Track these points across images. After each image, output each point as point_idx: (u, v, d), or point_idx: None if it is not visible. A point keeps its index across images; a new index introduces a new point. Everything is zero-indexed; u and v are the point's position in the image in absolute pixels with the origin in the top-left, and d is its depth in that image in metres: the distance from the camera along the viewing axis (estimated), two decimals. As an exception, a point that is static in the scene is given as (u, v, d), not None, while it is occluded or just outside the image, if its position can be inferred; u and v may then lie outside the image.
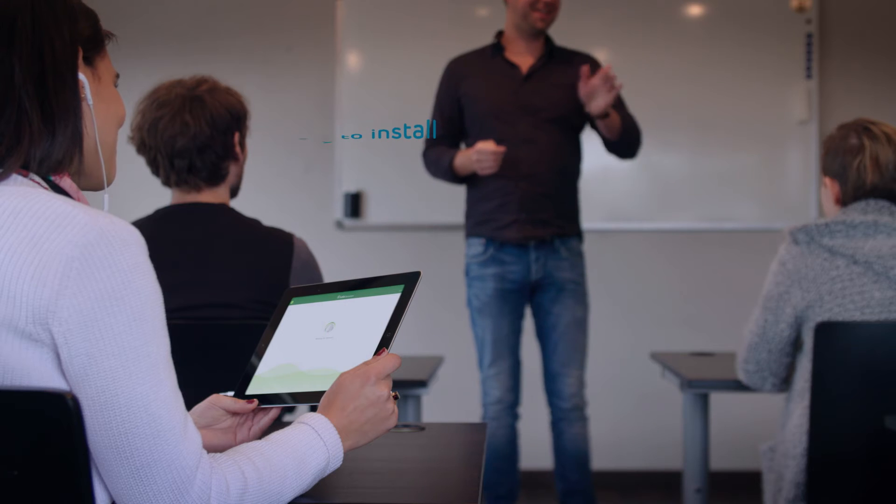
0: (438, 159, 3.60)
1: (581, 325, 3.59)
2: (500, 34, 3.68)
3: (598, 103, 3.40)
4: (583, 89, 3.42)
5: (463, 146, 3.66)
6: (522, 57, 3.63)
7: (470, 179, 3.62)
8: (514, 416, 3.62)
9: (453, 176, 3.59)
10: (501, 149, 3.41)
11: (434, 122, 3.68)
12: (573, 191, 3.64)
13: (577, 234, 3.62)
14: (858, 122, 2.50)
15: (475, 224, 3.61)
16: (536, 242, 3.52)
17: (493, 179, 3.53)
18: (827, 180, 2.51)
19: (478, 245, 3.59)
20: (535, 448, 4.30)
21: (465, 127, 3.64)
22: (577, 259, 3.60)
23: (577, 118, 3.58)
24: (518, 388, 3.63)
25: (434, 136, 3.66)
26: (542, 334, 3.62)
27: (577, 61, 3.62)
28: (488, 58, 3.65)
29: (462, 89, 3.63)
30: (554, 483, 3.71)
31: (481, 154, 3.41)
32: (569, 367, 3.57)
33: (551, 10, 3.57)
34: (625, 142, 3.60)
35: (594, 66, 3.62)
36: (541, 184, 3.52)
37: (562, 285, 3.55)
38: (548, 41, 3.66)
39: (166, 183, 2.31)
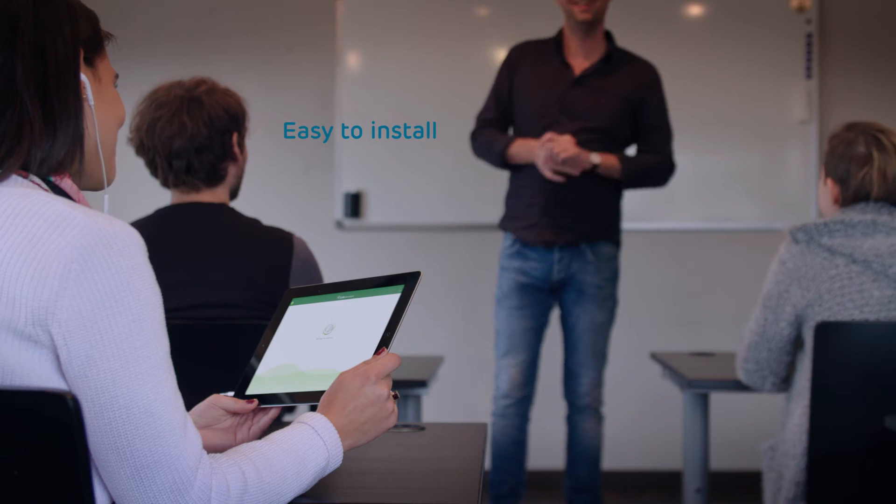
0: (491, 142, 3.56)
1: (600, 330, 3.57)
2: (561, 31, 3.62)
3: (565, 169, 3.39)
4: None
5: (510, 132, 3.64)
6: (579, 58, 3.56)
7: (513, 169, 3.60)
8: (524, 417, 3.60)
9: (502, 162, 3.55)
10: (574, 152, 3.36)
11: (490, 102, 3.63)
12: (609, 199, 3.57)
13: (611, 239, 3.57)
14: (868, 129, 2.46)
15: (507, 218, 3.61)
16: (561, 244, 3.50)
17: (527, 178, 3.51)
18: (829, 181, 2.49)
19: (508, 238, 3.60)
20: (543, 446, 4.30)
21: (514, 117, 3.62)
22: (606, 264, 3.55)
23: (622, 131, 3.52)
24: (531, 385, 3.61)
25: (486, 116, 3.62)
26: (565, 332, 3.63)
27: (635, 68, 3.56)
28: (548, 53, 3.58)
29: (516, 79, 3.58)
30: (561, 483, 3.71)
31: (556, 155, 3.35)
32: (585, 367, 3.58)
33: (592, 1, 3.46)
34: (630, 185, 3.57)
35: (654, 74, 3.57)
36: (569, 190, 3.46)
37: (583, 288, 3.53)
38: (609, 42, 3.59)
39: (165, 184, 2.31)
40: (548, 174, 3.38)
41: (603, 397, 3.65)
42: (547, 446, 4.23)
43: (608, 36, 3.60)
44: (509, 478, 3.61)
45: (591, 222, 3.52)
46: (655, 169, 3.57)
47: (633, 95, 3.53)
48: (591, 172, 3.44)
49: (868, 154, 2.43)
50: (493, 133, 3.58)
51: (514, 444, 3.59)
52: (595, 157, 3.41)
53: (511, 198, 3.61)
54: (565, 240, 3.49)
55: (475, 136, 3.63)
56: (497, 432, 3.58)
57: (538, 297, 3.57)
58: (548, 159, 3.36)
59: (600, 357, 3.59)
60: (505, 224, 3.62)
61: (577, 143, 3.39)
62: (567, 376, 3.62)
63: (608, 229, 3.57)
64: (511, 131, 3.64)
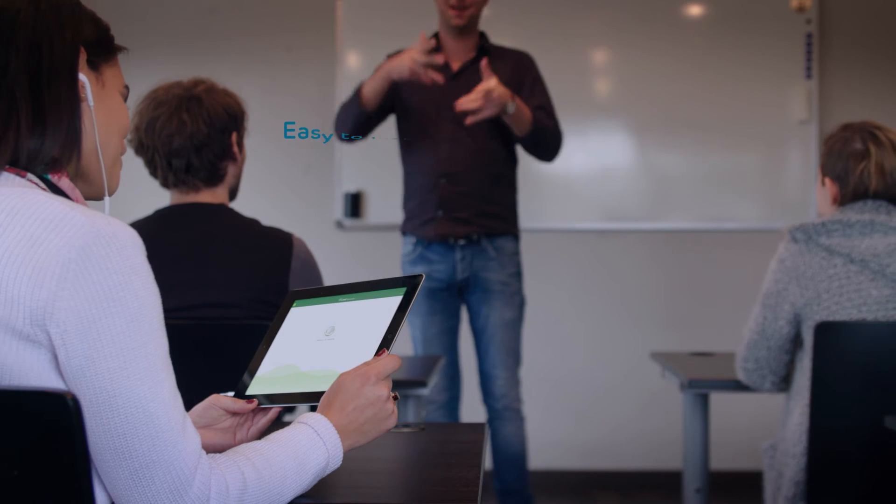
0: (345, 104, 3.52)
1: (511, 327, 3.56)
2: (437, 34, 3.65)
3: (480, 114, 3.33)
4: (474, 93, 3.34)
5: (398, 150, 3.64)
6: (455, 56, 3.60)
7: (404, 176, 3.58)
8: (454, 418, 3.61)
9: (361, 110, 3.45)
10: (431, 43, 3.34)
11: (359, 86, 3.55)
12: (505, 190, 3.61)
13: (511, 233, 3.59)
14: (864, 126, 2.47)
15: (404, 221, 3.62)
16: (463, 242, 3.51)
17: (418, 177, 3.54)
18: (827, 181, 2.50)
19: (408, 244, 3.59)
20: (532, 447, 4.30)
21: (398, 126, 3.61)
22: (508, 259, 3.56)
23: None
24: (456, 386, 3.62)
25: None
26: (475, 334, 3.63)
27: (509, 57, 3.61)
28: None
29: (397, 85, 3.56)
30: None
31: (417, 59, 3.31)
32: (498, 367, 3.55)
33: (465, 7, 3.51)
34: (532, 140, 3.53)
35: (528, 59, 3.62)
36: (462, 182, 3.49)
37: (488, 286, 3.53)
38: (482, 38, 3.63)
39: (164, 184, 2.31)
40: (418, 66, 3.31)
41: (521, 396, 3.62)
42: (533, 447, 4.22)
43: (482, 35, 3.64)
44: None
45: (489, 215, 3.54)
46: (554, 133, 3.55)
47: (511, 81, 3.54)
48: (483, 157, 3.47)
49: (865, 149, 2.44)
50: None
51: None
52: (510, 107, 3.36)
53: (407, 201, 3.61)
54: (464, 233, 3.49)
55: (336, 119, 3.57)
56: None
57: (447, 299, 3.58)
58: (414, 62, 3.31)
59: (514, 355, 3.57)
60: (404, 227, 3.62)
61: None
62: (482, 380, 3.60)
63: (507, 222, 3.59)
64: (399, 149, 3.63)
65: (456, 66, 3.59)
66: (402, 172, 3.63)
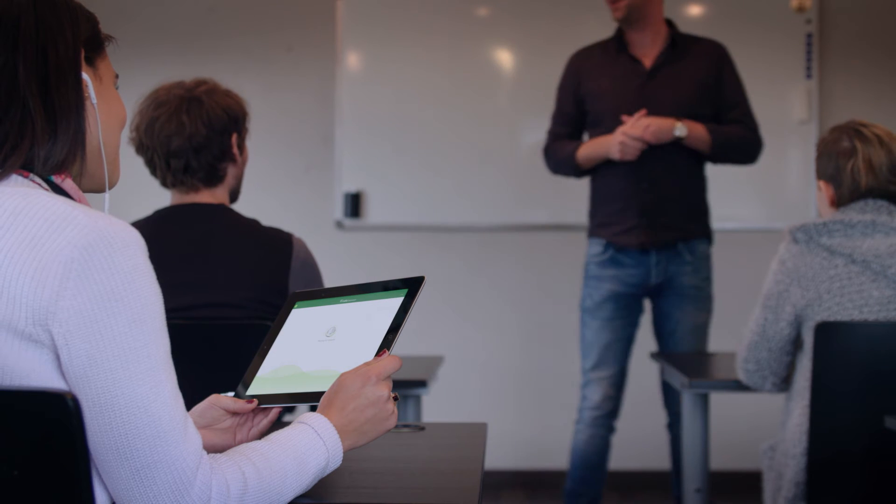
0: (559, 152, 3.48)
1: (700, 332, 3.49)
2: (620, 28, 3.55)
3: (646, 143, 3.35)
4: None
5: (586, 137, 3.56)
6: (645, 50, 3.49)
7: (594, 178, 3.52)
8: (610, 428, 3.53)
9: (576, 168, 3.47)
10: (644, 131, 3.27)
11: (556, 118, 3.54)
12: (700, 191, 3.52)
13: (706, 236, 3.51)
14: (850, 125, 2.49)
15: (597, 225, 3.50)
16: (658, 247, 3.42)
17: (616, 180, 3.43)
18: (821, 184, 2.51)
19: (598, 245, 3.48)
20: (543, 448, 4.29)
21: (586, 123, 3.52)
22: (702, 263, 3.48)
23: (705, 110, 3.45)
24: (619, 398, 3.54)
25: (555, 131, 3.54)
26: (661, 337, 3.55)
27: (703, 49, 3.51)
28: (612, 53, 3.51)
29: (584, 87, 3.49)
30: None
31: (625, 141, 3.28)
32: None
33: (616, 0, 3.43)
34: (718, 158, 3.49)
35: (723, 51, 3.52)
36: (664, 187, 3.41)
37: (683, 290, 3.45)
38: (670, 27, 3.51)
39: (164, 184, 2.32)
40: (629, 154, 3.29)
41: None
42: (533, 447, 4.22)
43: (669, 23, 3.53)
44: (591, 488, 3.53)
45: (689, 218, 3.47)
46: (744, 140, 3.46)
47: (707, 76, 3.47)
48: (679, 158, 3.39)
49: (852, 147, 2.45)
50: (561, 143, 3.50)
51: (597, 453, 3.51)
52: (679, 130, 3.33)
53: (600, 204, 3.50)
54: (666, 239, 3.42)
55: (546, 152, 3.56)
56: (583, 442, 3.49)
57: (632, 307, 3.50)
58: (624, 144, 3.28)
59: None
60: (595, 231, 3.50)
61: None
62: (666, 384, 3.52)
63: (702, 225, 3.51)
64: (586, 137, 3.54)
65: (648, 62, 3.48)
66: (592, 175, 3.51)
